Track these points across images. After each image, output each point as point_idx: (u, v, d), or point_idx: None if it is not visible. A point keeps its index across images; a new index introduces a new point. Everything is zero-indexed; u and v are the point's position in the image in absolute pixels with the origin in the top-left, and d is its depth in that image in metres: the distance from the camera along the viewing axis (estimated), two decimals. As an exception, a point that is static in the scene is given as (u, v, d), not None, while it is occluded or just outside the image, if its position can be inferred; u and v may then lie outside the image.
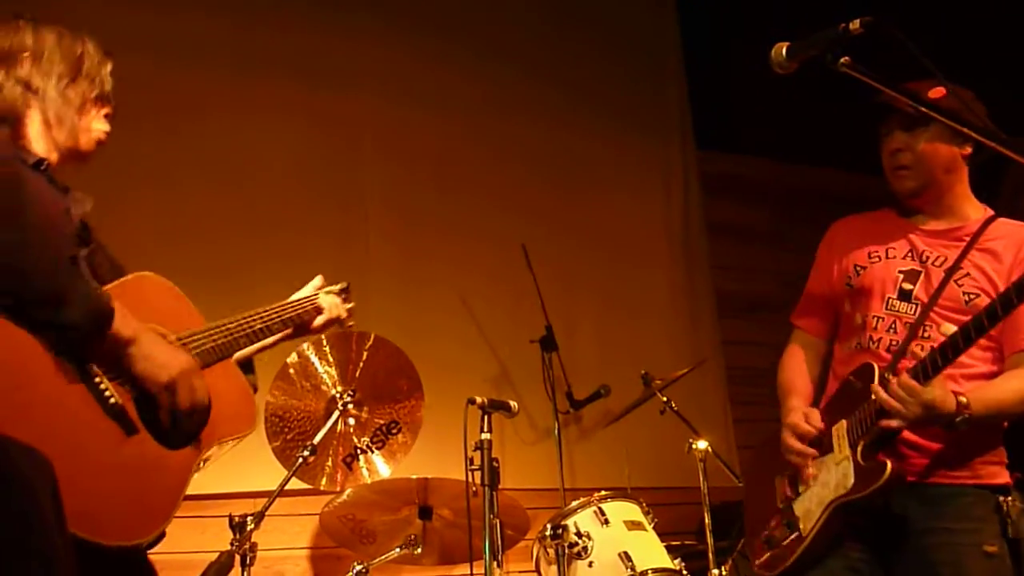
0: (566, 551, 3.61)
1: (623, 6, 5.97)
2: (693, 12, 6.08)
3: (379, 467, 3.82)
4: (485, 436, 3.26)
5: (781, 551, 2.68)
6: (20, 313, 1.80)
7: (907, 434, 2.53)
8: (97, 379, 1.93)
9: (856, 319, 2.74)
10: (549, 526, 3.68)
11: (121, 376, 1.97)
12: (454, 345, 4.89)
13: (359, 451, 3.80)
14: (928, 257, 2.69)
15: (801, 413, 2.71)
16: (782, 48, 2.20)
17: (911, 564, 2.52)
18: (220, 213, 4.58)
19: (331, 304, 2.71)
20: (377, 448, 3.83)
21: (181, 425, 2.04)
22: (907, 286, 2.67)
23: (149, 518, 1.96)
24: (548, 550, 3.70)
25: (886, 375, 2.52)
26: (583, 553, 3.61)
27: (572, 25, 5.77)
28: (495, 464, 3.22)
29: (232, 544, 3.23)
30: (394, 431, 3.85)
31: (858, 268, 2.77)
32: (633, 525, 3.68)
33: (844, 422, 2.60)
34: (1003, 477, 2.58)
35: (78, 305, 1.84)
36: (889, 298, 2.68)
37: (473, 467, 3.25)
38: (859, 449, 2.51)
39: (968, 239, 2.66)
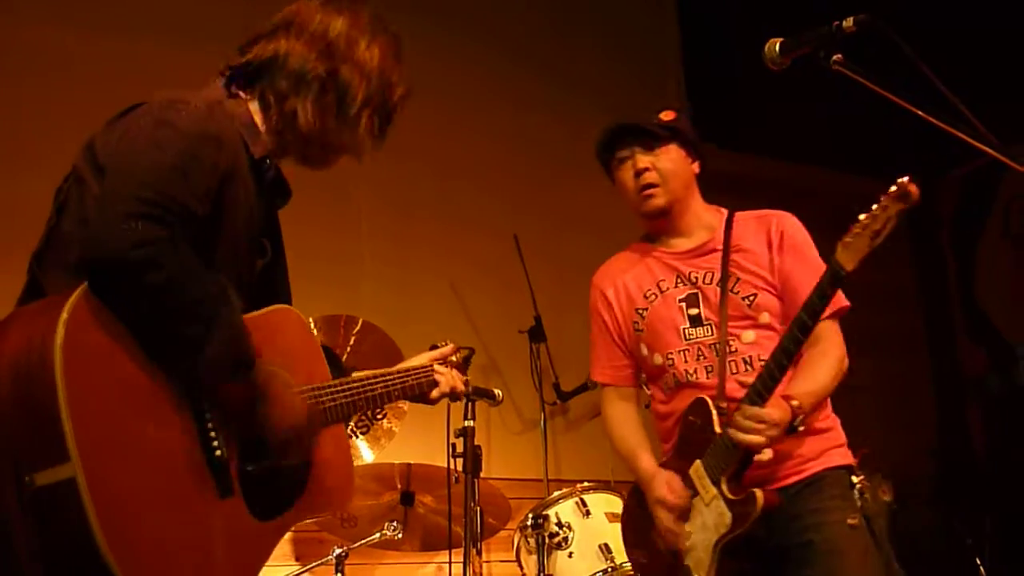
0: (546, 541, 3.62)
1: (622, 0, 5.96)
2: (693, 7, 6.07)
3: (363, 452, 3.82)
4: (468, 423, 3.26)
5: None
6: (150, 340, 1.69)
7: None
8: (209, 425, 1.79)
9: (656, 359, 2.76)
10: (530, 516, 3.69)
11: (237, 422, 1.84)
12: (443, 333, 4.82)
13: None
14: (696, 277, 2.74)
15: (664, 484, 2.65)
16: (775, 44, 2.21)
17: (794, 553, 2.55)
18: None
19: (448, 376, 2.50)
20: (362, 433, 3.83)
21: (283, 482, 1.92)
22: (693, 311, 2.72)
23: None
24: (529, 540, 3.71)
25: (720, 404, 2.56)
26: (563, 544, 3.63)
27: (569, 16, 5.76)
28: (478, 452, 3.23)
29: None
30: (379, 417, 3.85)
31: (640, 312, 2.80)
32: (615, 517, 3.68)
33: (698, 462, 2.59)
34: (848, 457, 2.68)
35: (213, 348, 1.72)
36: (683, 328, 2.72)
37: (455, 454, 3.26)
38: (723, 484, 2.51)
39: (721, 248, 2.74)
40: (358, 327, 3.78)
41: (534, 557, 3.64)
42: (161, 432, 1.71)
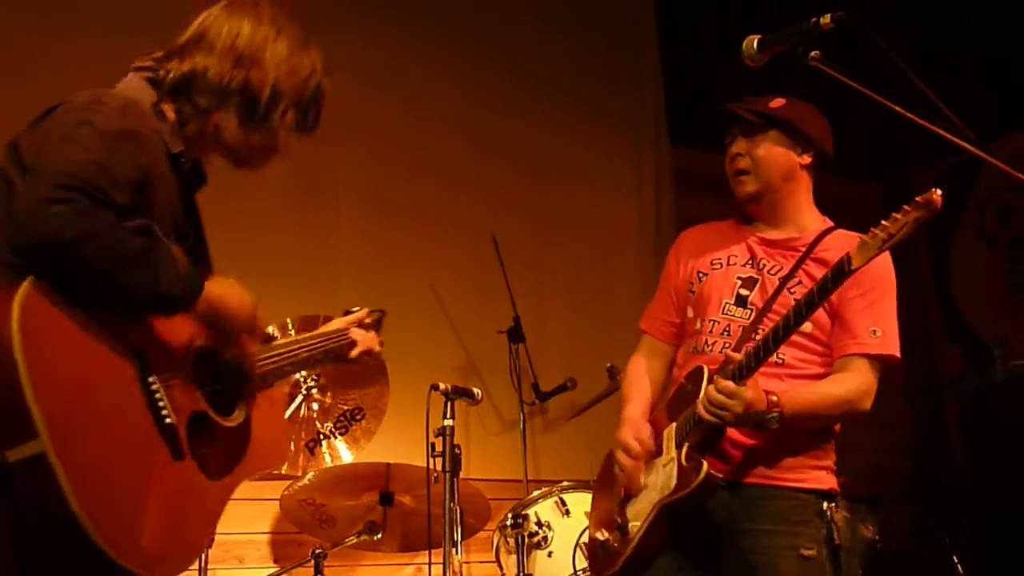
0: (526, 541, 3.62)
1: (601, 0, 5.97)
2: (671, 8, 6.08)
3: (342, 453, 3.80)
4: (448, 422, 3.25)
5: (612, 552, 2.68)
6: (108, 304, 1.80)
7: (733, 433, 2.55)
8: (158, 395, 1.89)
9: (696, 324, 2.77)
10: (510, 515, 3.69)
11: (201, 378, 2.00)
12: (421, 334, 4.88)
13: (322, 436, 3.79)
14: (765, 265, 2.73)
15: (630, 429, 2.70)
16: (753, 41, 2.22)
17: (732, 564, 2.54)
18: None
19: (364, 336, 2.65)
20: (340, 434, 3.82)
21: (223, 443, 2.05)
22: (744, 292, 2.71)
23: (186, 551, 1.95)
24: (508, 540, 3.71)
25: (716, 377, 2.53)
26: (543, 543, 3.63)
27: (549, 19, 5.75)
28: (457, 451, 3.22)
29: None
30: (358, 417, 3.84)
31: (700, 275, 2.80)
32: (594, 517, 3.68)
33: (673, 424, 2.61)
34: (829, 482, 2.62)
35: (169, 274, 1.87)
36: (726, 303, 2.71)
37: (435, 453, 3.25)
38: (683, 451, 2.52)
39: (804, 249, 2.71)
40: (337, 327, 3.76)
41: (514, 557, 3.64)
42: (117, 404, 1.83)
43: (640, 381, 2.88)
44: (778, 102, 2.78)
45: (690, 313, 2.81)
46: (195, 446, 1.98)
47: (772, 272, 2.71)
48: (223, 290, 2.06)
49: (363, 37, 5.16)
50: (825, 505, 2.56)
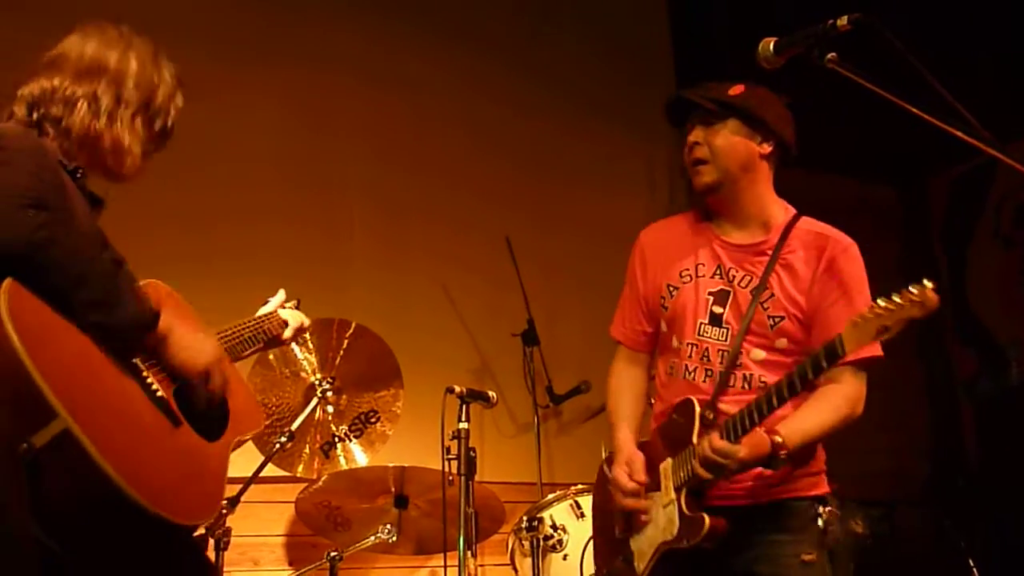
0: (541, 543, 3.62)
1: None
2: (683, 6, 6.07)
3: (356, 455, 3.81)
4: (463, 425, 3.25)
5: None
6: (73, 314, 1.90)
7: None
8: (144, 373, 2.04)
9: (672, 341, 2.72)
10: (525, 518, 3.69)
11: (163, 368, 2.12)
12: (435, 337, 4.88)
13: (337, 439, 3.80)
14: (734, 276, 2.66)
15: (622, 462, 2.66)
16: (769, 43, 2.21)
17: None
18: (201, 202, 4.55)
19: (293, 315, 2.83)
20: (355, 436, 3.83)
21: (214, 409, 2.20)
22: (717, 309, 2.64)
23: (209, 500, 2.08)
24: (523, 542, 3.71)
25: (707, 414, 2.52)
26: (558, 546, 3.62)
27: (560, 17, 5.76)
28: (472, 454, 3.22)
29: (206, 528, 3.22)
30: (373, 420, 3.85)
31: (671, 288, 2.73)
32: (609, 520, 3.68)
33: (670, 460, 2.56)
34: (821, 487, 2.61)
35: (127, 308, 1.98)
36: (701, 323, 2.65)
37: (450, 456, 3.25)
38: (683, 496, 2.49)
39: (771, 252, 2.64)
40: (351, 330, 3.78)
41: (529, 560, 3.64)
42: (114, 381, 1.95)
43: (624, 396, 2.84)
44: (737, 89, 2.70)
45: (664, 328, 2.76)
46: (189, 415, 2.13)
47: (743, 285, 2.64)
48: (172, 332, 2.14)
49: (376, 39, 5.17)
50: (820, 509, 2.56)
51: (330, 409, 3.77)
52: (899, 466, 5.79)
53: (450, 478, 3.26)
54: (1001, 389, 5.96)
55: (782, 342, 2.58)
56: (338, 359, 3.75)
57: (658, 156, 5.79)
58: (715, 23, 6.04)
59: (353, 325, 3.75)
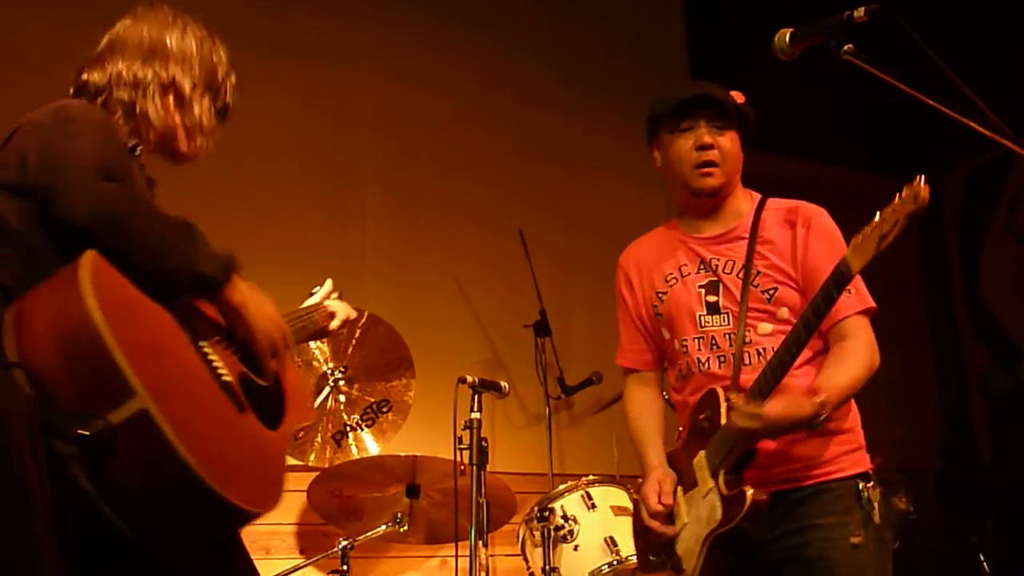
0: (552, 534, 3.63)
1: (628, -7, 5.95)
2: (699, 1, 6.06)
3: (368, 445, 3.82)
4: (475, 415, 3.26)
5: None
6: (151, 283, 1.89)
7: (767, 446, 2.52)
8: (206, 351, 2.00)
9: (675, 345, 2.73)
10: (536, 508, 3.69)
11: (232, 341, 2.09)
12: (448, 328, 4.89)
13: (349, 428, 3.81)
14: (717, 265, 2.68)
15: (655, 483, 2.67)
16: (785, 34, 2.20)
17: (785, 564, 2.51)
18: (216, 193, 4.55)
19: (341, 306, 2.75)
20: (367, 426, 3.84)
21: (271, 396, 2.16)
22: (712, 298, 2.66)
23: (273, 490, 2.03)
24: (534, 533, 3.71)
25: (731, 396, 2.51)
26: (569, 537, 3.63)
27: (575, 11, 5.74)
28: (484, 444, 3.23)
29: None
30: (384, 409, 3.86)
31: (660, 295, 2.76)
32: (620, 510, 3.69)
33: (701, 452, 2.56)
34: (862, 464, 2.59)
35: (210, 262, 1.97)
36: (700, 315, 2.66)
37: (462, 446, 3.26)
38: (720, 478, 2.49)
39: (747, 235, 2.67)
40: (363, 319, 3.78)
41: (539, 550, 3.65)
42: (185, 364, 1.92)
43: (645, 419, 2.84)
44: (740, 96, 2.74)
45: (666, 335, 2.77)
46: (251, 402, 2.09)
47: (727, 271, 2.66)
48: (251, 295, 2.13)
49: (389, 30, 5.17)
50: (862, 486, 2.54)
51: (342, 398, 3.78)
52: (911, 462, 5.77)
53: (462, 468, 3.27)
54: (1013, 385, 5.94)
55: (783, 312, 2.59)
56: (350, 348, 3.76)
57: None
58: (729, 16, 6.03)
59: (366, 314, 3.76)
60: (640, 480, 2.80)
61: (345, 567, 3.69)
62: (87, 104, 2.14)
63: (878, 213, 2.20)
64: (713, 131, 2.69)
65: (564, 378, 4.92)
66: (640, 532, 2.78)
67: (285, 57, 4.85)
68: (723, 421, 2.50)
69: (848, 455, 2.58)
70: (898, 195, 2.16)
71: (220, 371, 1.99)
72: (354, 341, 3.78)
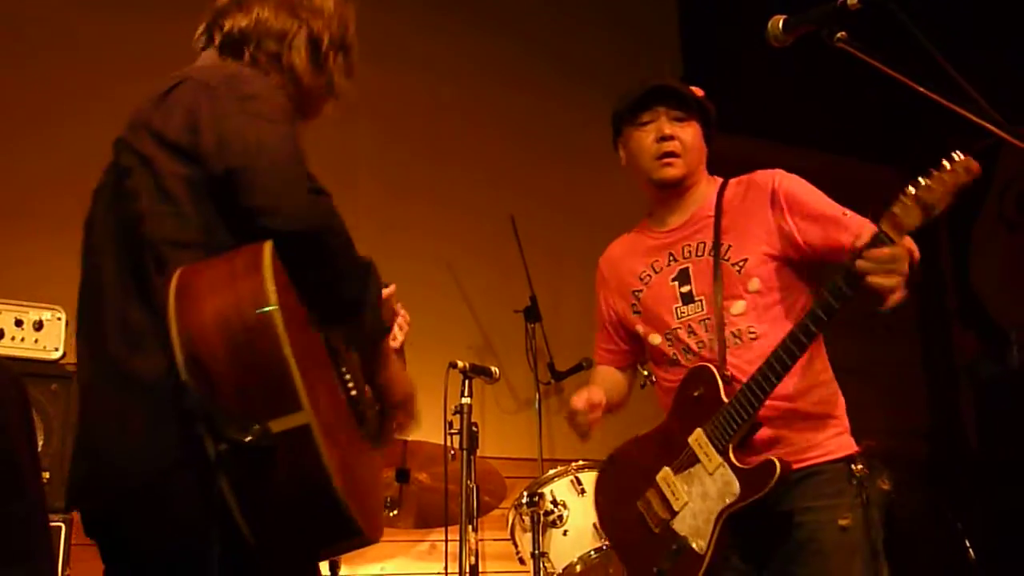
0: (541, 519, 3.64)
1: (620, -20, 5.94)
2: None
3: (358, 429, 3.82)
4: (465, 400, 3.27)
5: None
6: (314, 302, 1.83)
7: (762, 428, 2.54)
8: (345, 374, 1.96)
9: (654, 339, 2.75)
10: (525, 493, 3.70)
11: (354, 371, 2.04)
12: (438, 314, 4.89)
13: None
14: (689, 251, 2.71)
15: (584, 392, 2.74)
16: (779, 21, 2.20)
17: (780, 549, 2.52)
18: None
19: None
20: (356, 410, 3.83)
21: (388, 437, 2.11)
22: (684, 289, 2.69)
23: (380, 519, 1.96)
24: (524, 518, 3.72)
25: (726, 374, 2.53)
26: (558, 521, 3.64)
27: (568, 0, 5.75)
28: (474, 429, 3.24)
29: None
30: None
31: (636, 293, 2.80)
32: (610, 496, 3.69)
33: (699, 430, 2.55)
34: (851, 446, 2.61)
35: (376, 312, 1.94)
36: (676, 308, 2.69)
37: (452, 431, 3.26)
38: (731, 453, 2.49)
39: (711, 215, 2.70)
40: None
41: (529, 535, 3.66)
42: (333, 381, 1.89)
43: (605, 380, 2.90)
44: (698, 91, 2.78)
45: (642, 331, 2.80)
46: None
47: (699, 253, 2.69)
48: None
49: (382, 17, 5.14)
50: (852, 467, 2.56)
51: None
52: (897, 447, 5.80)
53: (452, 453, 3.28)
54: (1001, 372, 5.97)
55: (754, 283, 2.60)
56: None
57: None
58: (722, 3, 6.02)
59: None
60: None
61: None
62: (262, 77, 2.00)
63: (922, 179, 2.16)
64: (673, 123, 2.72)
65: (554, 364, 4.93)
66: (620, 538, 2.80)
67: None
68: (724, 399, 2.51)
69: (836, 438, 2.60)
70: (943, 164, 2.13)
71: (350, 386, 1.96)
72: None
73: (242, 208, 1.74)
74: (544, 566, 3.61)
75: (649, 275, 2.78)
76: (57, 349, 3.49)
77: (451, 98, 5.25)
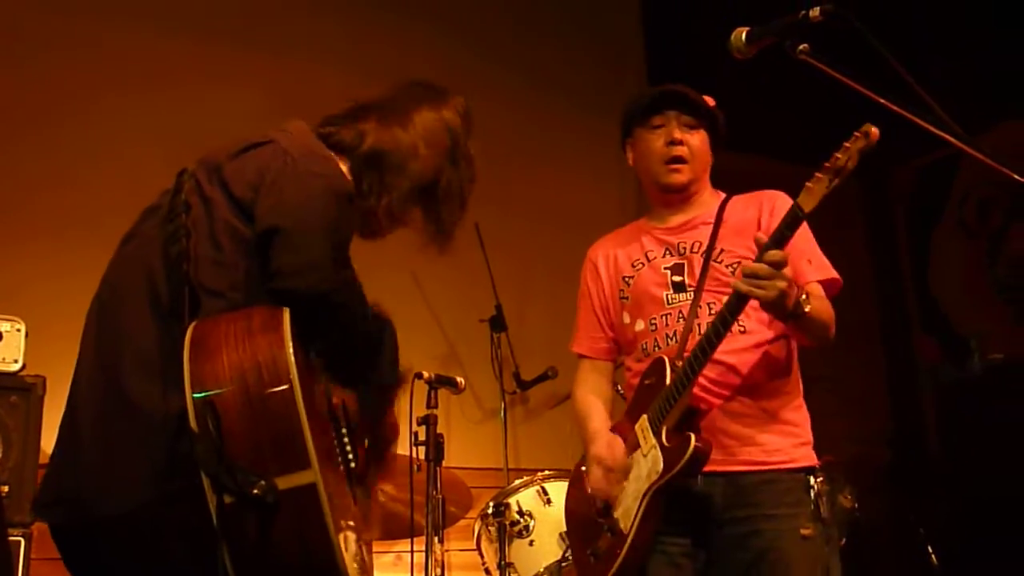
0: (507, 529, 3.62)
1: (584, -12, 5.96)
2: (655, -4, 6.10)
3: (323, 440, 3.79)
4: (431, 411, 3.25)
5: (607, 557, 2.60)
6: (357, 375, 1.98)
7: (719, 422, 2.54)
8: (345, 439, 2.02)
9: (637, 326, 2.75)
10: (491, 504, 3.69)
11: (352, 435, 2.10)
12: (403, 323, 4.80)
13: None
14: (684, 248, 2.74)
15: (605, 444, 2.67)
16: (741, 33, 2.22)
17: (732, 552, 2.52)
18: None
19: None
20: (322, 422, 3.81)
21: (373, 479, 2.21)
22: (677, 278, 2.71)
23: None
24: (490, 528, 3.71)
25: (676, 362, 2.54)
26: (524, 532, 3.63)
27: (534, 7, 5.75)
28: (440, 440, 3.22)
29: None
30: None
31: (627, 279, 2.80)
32: (575, 506, 3.69)
33: (644, 416, 2.58)
34: (811, 459, 2.63)
35: (391, 370, 2.08)
36: (666, 295, 2.70)
37: (417, 442, 3.25)
38: (663, 433, 2.50)
39: (711, 221, 2.73)
40: (318, 315, 3.75)
41: (495, 545, 3.65)
42: (329, 442, 1.93)
43: (596, 397, 2.86)
44: (711, 100, 2.81)
45: (627, 319, 2.79)
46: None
47: (694, 250, 2.72)
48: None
49: (354, 27, 5.14)
50: (812, 480, 2.57)
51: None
52: (860, 453, 5.85)
53: (417, 464, 3.26)
54: (963, 377, 6.04)
55: None
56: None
57: (628, 143, 5.80)
58: (686, 13, 6.05)
59: (320, 310, 3.72)
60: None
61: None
62: (335, 162, 2.09)
63: (830, 158, 2.24)
64: (684, 129, 2.75)
65: (520, 373, 4.93)
66: (576, 511, 2.79)
67: (251, 52, 4.81)
68: (667, 382, 2.52)
69: (798, 448, 2.61)
70: (850, 138, 2.22)
71: (349, 456, 2.01)
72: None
73: (271, 265, 1.82)
74: (510, 576, 3.60)
75: (642, 263, 2.79)
76: (16, 361, 3.44)
77: (415, 107, 5.24)
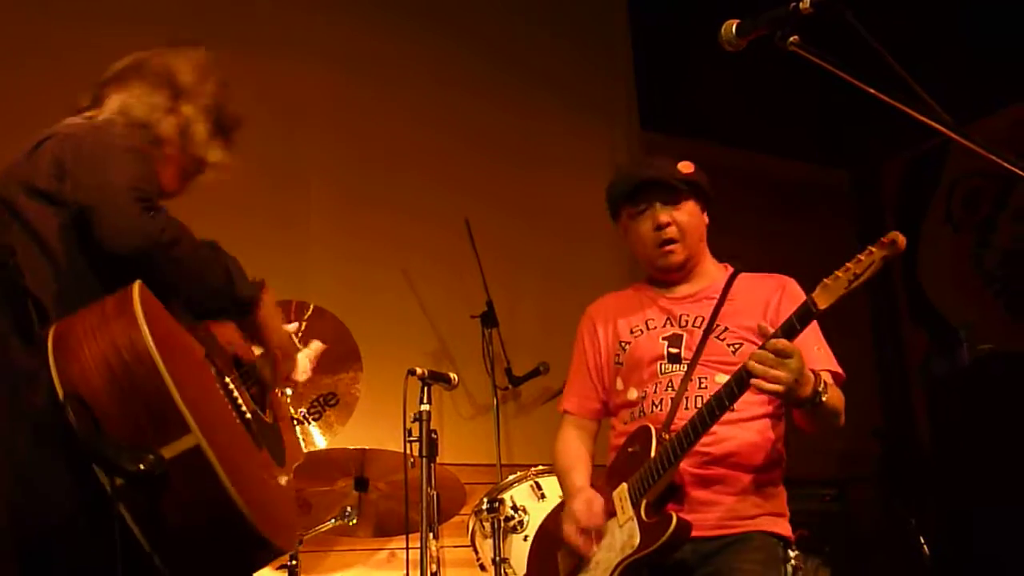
0: (502, 525, 3.63)
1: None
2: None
3: (316, 438, 3.79)
4: (424, 407, 3.25)
5: None
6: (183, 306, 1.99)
7: (693, 491, 2.54)
8: (230, 388, 2.06)
9: (630, 393, 2.75)
10: (485, 499, 3.69)
11: (246, 379, 2.18)
12: (395, 320, 4.87)
13: (295, 422, 3.77)
14: (686, 321, 2.73)
15: (584, 501, 2.66)
16: (731, 25, 2.21)
17: None
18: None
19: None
20: (314, 419, 3.81)
21: (274, 437, 2.23)
22: (673, 350, 2.70)
23: (292, 529, 2.10)
24: (484, 524, 3.72)
25: (664, 435, 2.54)
26: (519, 527, 3.63)
27: (522, 4, 5.75)
28: (433, 436, 3.22)
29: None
30: (332, 403, 3.83)
31: (623, 344, 2.80)
32: (569, 500, 3.69)
33: (624, 484, 2.57)
34: (786, 530, 2.63)
35: (242, 285, 2.12)
36: (661, 364, 2.70)
37: (411, 439, 3.24)
38: (643, 507, 2.49)
39: (717, 296, 2.73)
40: (309, 312, 3.75)
41: (489, 541, 3.65)
42: (217, 399, 1.97)
43: (577, 451, 2.85)
44: (687, 166, 2.80)
45: (620, 385, 2.79)
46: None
47: (695, 324, 2.71)
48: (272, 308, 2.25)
49: (336, 22, 5.13)
50: (788, 553, 2.57)
51: (288, 391, 3.74)
52: (851, 445, 5.87)
53: (411, 461, 3.25)
54: (952, 369, 6.05)
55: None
56: (296, 341, 3.72)
57: (618, 143, 5.81)
58: (673, 6, 6.06)
59: (311, 307, 3.72)
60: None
61: (294, 561, 3.65)
62: (124, 128, 2.16)
63: (853, 259, 2.25)
64: (667, 208, 2.74)
65: (511, 368, 4.93)
66: (541, 551, 2.79)
67: (230, 49, 4.77)
68: (652, 454, 2.51)
69: (772, 516, 2.60)
70: (873, 244, 2.23)
71: (242, 408, 2.05)
72: (299, 334, 3.73)
73: (95, 240, 1.92)
74: (506, 572, 3.60)
75: (641, 331, 2.78)
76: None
77: (405, 104, 5.23)
